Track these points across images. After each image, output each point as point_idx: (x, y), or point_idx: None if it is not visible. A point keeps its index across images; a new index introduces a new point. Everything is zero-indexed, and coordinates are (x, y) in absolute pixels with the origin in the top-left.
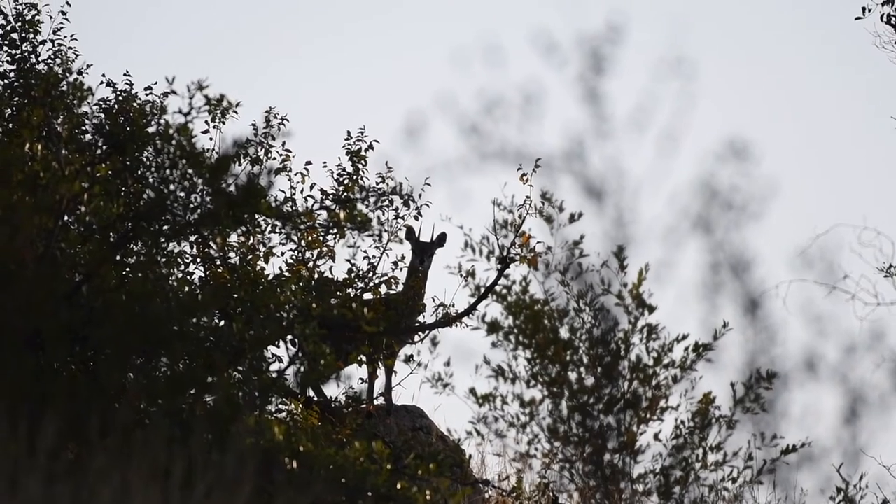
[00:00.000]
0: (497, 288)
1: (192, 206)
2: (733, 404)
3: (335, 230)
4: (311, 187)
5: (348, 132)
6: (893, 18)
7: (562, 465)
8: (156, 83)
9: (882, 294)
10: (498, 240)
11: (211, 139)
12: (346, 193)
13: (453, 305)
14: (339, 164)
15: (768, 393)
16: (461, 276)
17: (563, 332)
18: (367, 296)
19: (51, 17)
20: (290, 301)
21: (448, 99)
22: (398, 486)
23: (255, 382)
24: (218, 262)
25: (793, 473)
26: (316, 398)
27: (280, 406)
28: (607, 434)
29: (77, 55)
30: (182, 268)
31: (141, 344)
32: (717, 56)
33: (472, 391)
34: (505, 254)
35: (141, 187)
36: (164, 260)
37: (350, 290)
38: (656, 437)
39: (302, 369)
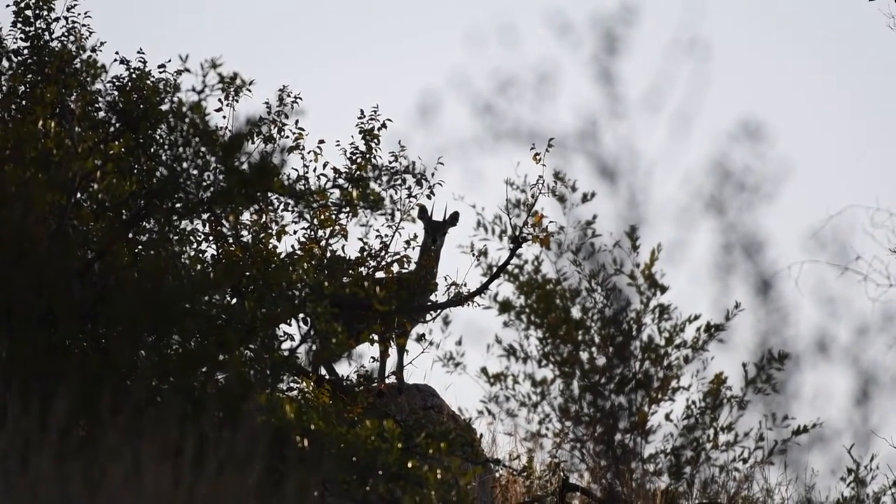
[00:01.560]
0: (509, 267)
1: (204, 184)
2: (745, 385)
3: (348, 209)
4: (324, 166)
5: (361, 111)
6: None
7: (573, 445)
8: (169, 61)
9: (894, 275)
10: (510, 219)
11: (224, 117)
12: (358, 172)
13: (465, 284)
14: (352, 143)
15: (780, 374)
16: (473, 255)
17: (575, 312)
18: (380, 274)
19: None
20: (303, 279)
21: (462, 78)
22: (409, 465)
23: (267, 360)
24: (230, 240)
25: (804, 454)
26: (328, 376)
27: (291, 384)
28: (618, 414)
29: (91, 32)
30: (194, 246)
31: (153, 321)
32: (731, 36)
33: (484, 370)
34: (517, 233)
35: (154, 165)
36: (176, 238)
37: (362, 269)
38: (667, 417)
39: (314, 347)
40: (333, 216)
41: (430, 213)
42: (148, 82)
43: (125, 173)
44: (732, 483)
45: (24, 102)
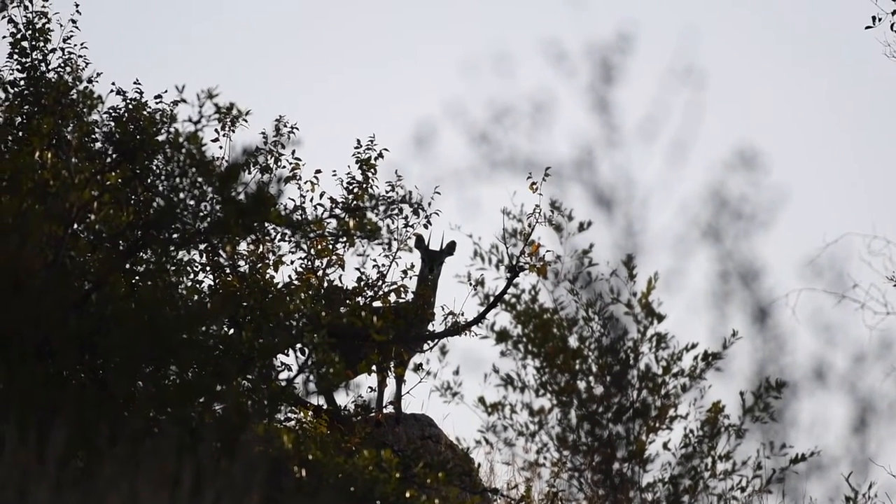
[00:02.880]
0: (506, 297)
1: (201, 214)
2: (742, 413)
3: (345, 239)
4: (321, 196)
5: (358, 141)
6: None
7: (570, 474)
8: (166, 91)
9: (892, 303)
10: (507, 249)
11: (221, 148)
12: (355, 202)
13: (462, 314)
14: (348, 173)
15: (777, 402)
16: (470, 284)
17: (573, 341)
18: (377, 304)
19: (61, 26)
20: (300, 309)
21: (458, 107)
22: (407, 495)
23: (265, 391)
24: (227, 271)
25: (802, 482)
26: (326, 406)
27: (289, 414)
28: (616, 443)
29: (87, 63)
30: (191, 276)
31: (150, 352)
32: (727, 65)
33: (481, 400)
34: (514, 263)
35: (151, 196)
36: (173, 268)
37: (359, 299)
38: (665, 445)
39: (314, 376)
40: (330, 246)
41: (426, 243)
42: (144, 113)
43: (122, 204)
44: None
45: (20, 133)
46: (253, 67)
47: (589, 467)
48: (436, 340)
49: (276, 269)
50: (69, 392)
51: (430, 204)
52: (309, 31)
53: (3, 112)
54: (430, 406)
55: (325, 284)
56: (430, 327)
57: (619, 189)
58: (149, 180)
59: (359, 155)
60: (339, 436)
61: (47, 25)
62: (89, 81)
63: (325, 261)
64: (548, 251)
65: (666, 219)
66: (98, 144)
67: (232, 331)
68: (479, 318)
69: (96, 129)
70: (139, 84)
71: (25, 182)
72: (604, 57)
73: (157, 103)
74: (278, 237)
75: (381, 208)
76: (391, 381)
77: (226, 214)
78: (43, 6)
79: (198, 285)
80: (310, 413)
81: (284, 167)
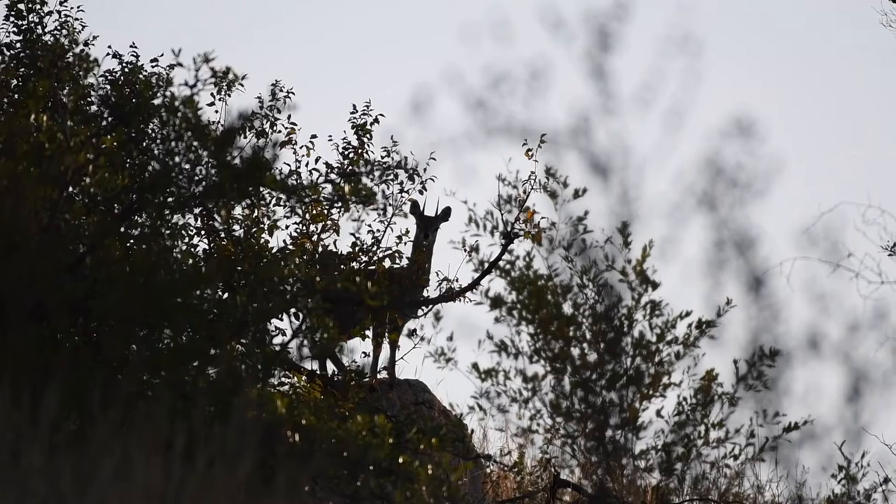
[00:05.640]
0: (501, 263)
1: (196, 178)
2: (736, 381)
3: (340, 204)
4: (317, 161)
5: (354, 106)
6: None
7: (563, 441)
8: (162, 55)
9: (886, 272)
10: (502, 215)
11: (216, 112)
12: (351, 167)
13: (457, 280)
14: (344, 138)
15: (771, 370)
16: (465, 250)
17: (567, 308)
18: (371, 269)
19: None
20: (294, 274)
21: (454, 74)
22: (400, 460)
23: (258, 355)
24: (222, 235)
25: (795, 451)
26: (319, 371)
27: (283, 379)
28: (609, 410)
29: (83, 26)
30: (186, 240)
31: (144, 316)
32: (724, 33)
33: (475, 366)
34: (509, 229)
35: (146, 159)
36: (168, 232)
37: (354, 264)
38: (658, 413)
39: (308, 341)
40: (325, 211)
41: (422, 209)
42: (140, 76)
43: (117, 167)
44: (723, 480)
45: (16, 96)
46: (250, 32)
47: (582, 434)
48: (430, 306)
49: (270, 234)
50: (63, 355)
51: (425, 170)
52: None
53: None
54: (424, 372)
55: (320, 249)
56: (424, 293)
57: (615, 156)
58: (144, 144)
59: (355, 120)
60: (332, 401)
61: None
62: (85, 44)
63: (319, 226)
64: (543, 218)
65: (661, 186)
66: (94, 108)
67: (226, 295)
68: (474, 285)
69: (92, 93)
70: (135, 48)
71: (21, 145)
72: (601, 24)
73: (153, 67)
74: (273, 202)
75: (377, 174)
76: (385, 347)
77: (221, 179)
78: None
79: (192, 249)
80: (303, 378)
81: (280, 132)
